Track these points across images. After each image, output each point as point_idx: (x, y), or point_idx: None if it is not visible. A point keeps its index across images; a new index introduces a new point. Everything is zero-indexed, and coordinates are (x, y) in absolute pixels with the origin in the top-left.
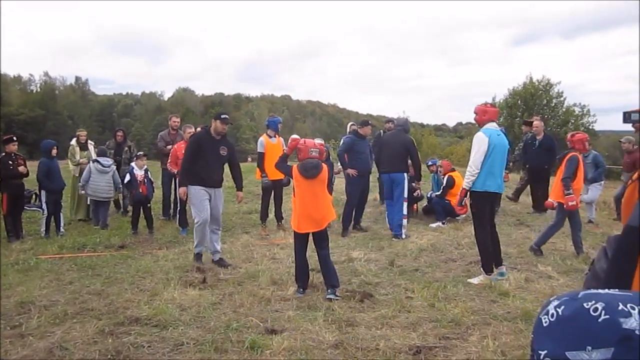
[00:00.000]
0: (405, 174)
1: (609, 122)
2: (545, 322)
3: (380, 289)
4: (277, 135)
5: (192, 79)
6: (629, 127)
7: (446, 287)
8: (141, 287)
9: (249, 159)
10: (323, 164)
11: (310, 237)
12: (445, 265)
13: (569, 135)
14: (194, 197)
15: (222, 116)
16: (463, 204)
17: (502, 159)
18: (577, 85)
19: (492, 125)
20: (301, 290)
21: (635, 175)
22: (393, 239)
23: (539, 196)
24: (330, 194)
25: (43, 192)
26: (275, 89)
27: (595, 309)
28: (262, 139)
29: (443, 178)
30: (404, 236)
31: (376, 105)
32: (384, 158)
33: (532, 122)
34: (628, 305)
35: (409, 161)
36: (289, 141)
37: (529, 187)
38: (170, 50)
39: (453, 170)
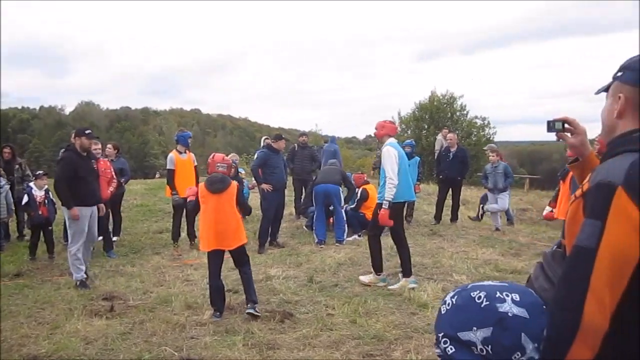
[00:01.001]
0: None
1: (507, 133)
2: (443, 310)
3: (301, 307)
4: (187, 151)
5: (96, 92)
6: (524, 137)
7: (366, 302)
8: (40, 320)
9: (158, 174)
10: (233, 181)
11: (230, 257)
12: None
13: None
14: (74, 221)
15: (87, 132)
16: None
17: (406, 170)
18: (477, 98)
19: (392, 140)
20: (218, 313)
21: (579, 192)
22: (336, 244)
23: (454, 206)
24: (249, 213)
25: None
26: (185, 102)
27: (479, 297)
28: (172, 155)
29: (357, 191)
30: (344, 242)
31: (288, 119)
32: (323, 171)
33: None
34: (503, 293)
35: None
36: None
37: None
38: (71, 62)
39: (366, 182)
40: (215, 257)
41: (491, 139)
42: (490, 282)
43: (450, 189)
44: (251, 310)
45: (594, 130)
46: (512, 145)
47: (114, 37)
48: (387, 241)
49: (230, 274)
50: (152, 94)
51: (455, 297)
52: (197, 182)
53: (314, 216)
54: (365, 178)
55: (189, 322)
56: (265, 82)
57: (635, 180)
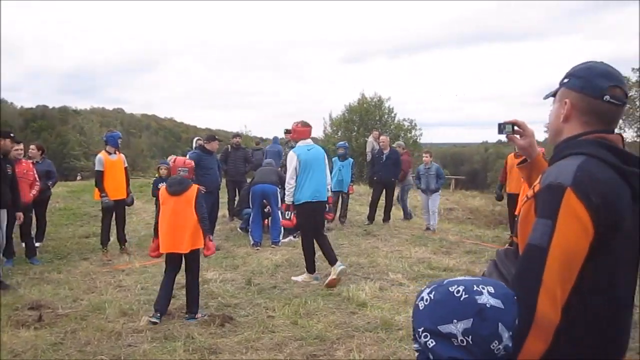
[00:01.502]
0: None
1: (431, 135)
2: (421, 306)
3: (240, 310)
4: (117, 152)
5: (8, 89)
6: (447, 139)
7: (307, 303)
8: None
9: (79, 176)
10: (193, 184)
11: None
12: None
13: None
14: None
15: (12, 134)
16: (289, 217)
17: (317, 171)
18: (404, 102)
19: (306, 142)
20: (158, 315)
21: (530, 192)
22: (272, 245)
23: (386, 207)
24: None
25: None
26: (107, 102)
27: (458, 291)
28: (101, 156)
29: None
30: (280, 244)
31: (216, 119)
32: (259, 172)
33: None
34: (480, 286)
35: None
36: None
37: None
38: None
39: None
40: (171, 260)
41: (418, 140)
42: (464, 277)
43: (384, 190)
44: (191, 320)
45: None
46: (436, 147)
47: (27, 32)
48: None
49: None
50: (71, 93)
51: (433, 292)
52: (128, 185)
53: (250, 218)
54: None
55: (124, 329)
56: (192, 82)
57: (583, 181)
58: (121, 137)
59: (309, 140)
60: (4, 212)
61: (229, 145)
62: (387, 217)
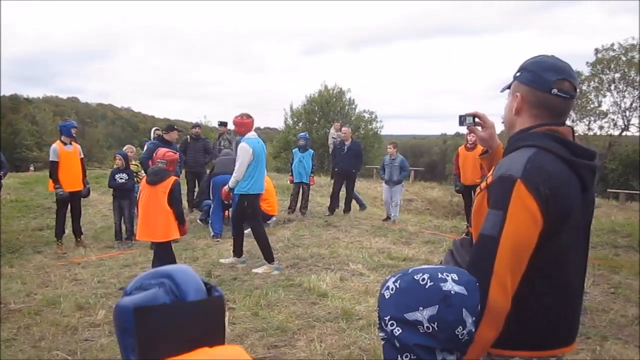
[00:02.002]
0: None
1: (391, 127)
2: (387, 295)
3: None
4: (72, 142)
5: None
6: (406, 131)
7: (267, 294)
8: None
9: (31, 167)
10: (172, 177)
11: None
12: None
13: None
14: None
15: None
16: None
17: (263, 163)
18: (365, 93)
19: (252, 135)
20: None
21: (484, 184)
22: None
23: (347, 198)
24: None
25: None
26: (60, 90)
27: (423, 279)
28: (56, 146)
29: None
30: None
31: (173, 109)
32: (219, 162)
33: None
34: (444, 274)
35: None
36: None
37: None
38: None
39: None
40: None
41: (378, 132)
42: (429, 266)
43: (345, 182)
44: None
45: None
46: (396, 139)
47: None
48: (283, 233)
49: (122, 271)
50: (21, 80)
51: (398, 281)
52: (84, 176)
53: (211, 209)
54: None
55: (81, 323)
56: (150, 71)
57: (532, 173)
58: (76, 126)
59: (254, 132)
60: None
61: (188, 136)
62: (347, 208)
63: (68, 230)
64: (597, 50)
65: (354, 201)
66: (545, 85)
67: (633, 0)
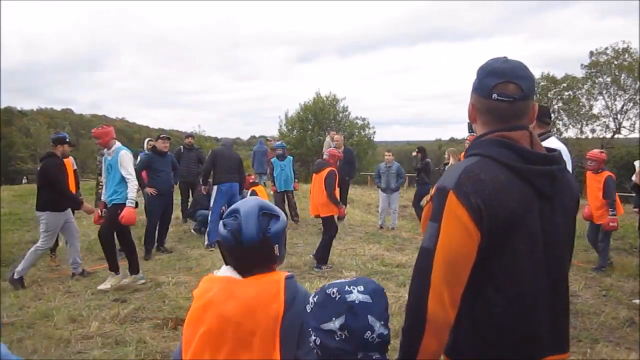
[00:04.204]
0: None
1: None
2: (309, 309)
3: None
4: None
5: None
6: (399, 137)
7: None
8: None
9: (25, 180)
10: None
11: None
12: None
13: (596, 152)
14: None
15: None
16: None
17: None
18: (357, 100)
19: (119, 143)
20: None
21: (429, 196)
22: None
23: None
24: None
25: None
26: (54, 102)
27: (333, 293)
28: None
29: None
30: None
31: (168, 119)
32: (221, 170)
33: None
34: (351, 287)
35: None
36: None
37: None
38: None
39: (255, 184)
40: None
41: (371, 138)
42: (342, 280)
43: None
44: None
45: (463, 130)
46: (390, 145)
47: None
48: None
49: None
50: (13, 92)
51: (317, 296)
52: (78, 187)
53: (210, 217)
54: (254, 179)
55: (74, 336)
56: (142, 81)
57: (464, 183)
58: (68, 138)
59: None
60: None
61: (182, 146)
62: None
63: (61, 242)
64: (592, 53)
65: (353, 208)
66: (486, 91)
67: (623, 1)
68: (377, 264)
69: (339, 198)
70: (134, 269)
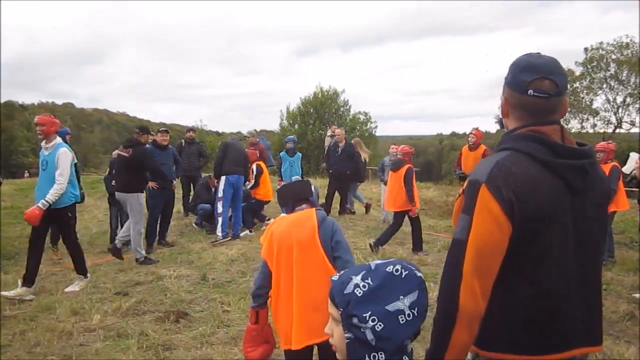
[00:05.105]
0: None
1: (385, 128)
2: (360, 293)
3: (195, 306)
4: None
5: None
6: (401, 132)
7: None
8: None
9: (27, 174)
10: None
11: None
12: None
13: (604, 143)
14: None
15: None
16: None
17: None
18: (359, 94)
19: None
20: None
21: (461, 189)
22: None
23: (342, 200)
24: None
25: None
26: (54, 96)
27: (397, 270)
28: None
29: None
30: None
31: (169, 113)
32: (230, 161)
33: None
34: (409, 263)
35: None
36: None
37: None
38: None
39: (262, 159)
40: None
41: (373, 133)
42: (389, 259)
43: (339, 183)
44: None
45: (464, 125)
46: (392, 140)
47: None
48: None
49: (117, 276)
50: (14, 86)
51: (368, 277)
52: (79, 181)
53: (220, 208)
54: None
55: (76, 328)
56: (142, 75)
57: (496, 176)
58: (69, 132)
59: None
60: None
61: (183, 140)
62: (343, 210)
63: None
64: (586, 50)
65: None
66: (521, 87)
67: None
68: (378, 257)
69: (341, 192)
70: (80, 270)
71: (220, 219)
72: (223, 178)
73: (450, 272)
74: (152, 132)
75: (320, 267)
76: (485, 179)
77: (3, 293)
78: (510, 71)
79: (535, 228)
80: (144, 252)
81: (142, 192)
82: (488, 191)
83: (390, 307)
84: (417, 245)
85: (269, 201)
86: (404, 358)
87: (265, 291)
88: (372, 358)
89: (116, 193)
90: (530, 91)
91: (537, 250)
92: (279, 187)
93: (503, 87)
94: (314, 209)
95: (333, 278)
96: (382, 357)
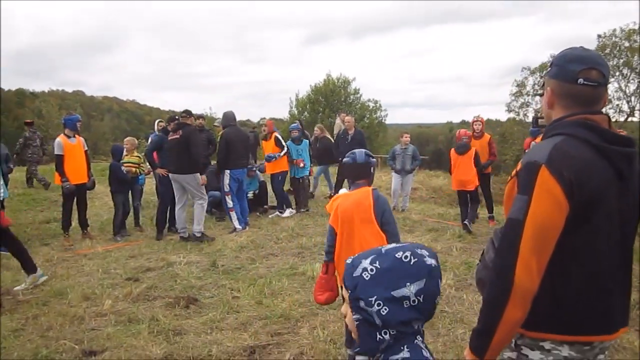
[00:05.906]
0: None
1: (397, 115)
2: (367, 276)
3: (205, 292)
4: (76, 135)
5: None
6: (410, 119)
7: (271, 283)
8: None
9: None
10: None
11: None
12: (267, 261)
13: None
14: None
15: None
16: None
17: None
18: (368, 82)
19: None
20: None
21: (514, 171)
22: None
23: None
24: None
25: None
26: (65, 84)
27: (406, 256)
28: (60, 139)
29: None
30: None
31: (179, 101)
32: (232, 156)
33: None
34: (420, 250)
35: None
36: None
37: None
38: None
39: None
40: None
41: (383, 121)
42: (401, 244)
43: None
44: None
45: (472, 113)
46: (401, 128)
47: None
48: (287, 223)
49: (128, 262)
50: (25, 75)
51: (377, 261)
52: (89, 168)
53: (230, 203)
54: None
55: (87, 313)
56: (152, 64)
57: (556, 159)
58: (80, 119)
59: None
60: None
61: None
62: None
63: (74, 222)
64: (599, 37)
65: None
66: (571, 76)
67: None
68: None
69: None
70: (29, 268)
71: (233, 213)
72: (227, 173)
73: (507, 250)
74: (162, 119)
75: (375, 235)
76: (545, 160)
77: (16, 289)
78: (556, 64)
79: (588, 210)
80: (202, 227)
81: (199, 173)
82: (548, 172)
83: (396, 293)
84: (472, 218)
85: (286, 171)
86: (417, 338)
87: (333, 249)
88: (383, 335)
89: (170, 175)
90: (581, 80)
91: (588, 232)
92: (343, 162)
93: (546, 81)
94: (370, 188)
95: (347, 261)
96: (392, 337)
